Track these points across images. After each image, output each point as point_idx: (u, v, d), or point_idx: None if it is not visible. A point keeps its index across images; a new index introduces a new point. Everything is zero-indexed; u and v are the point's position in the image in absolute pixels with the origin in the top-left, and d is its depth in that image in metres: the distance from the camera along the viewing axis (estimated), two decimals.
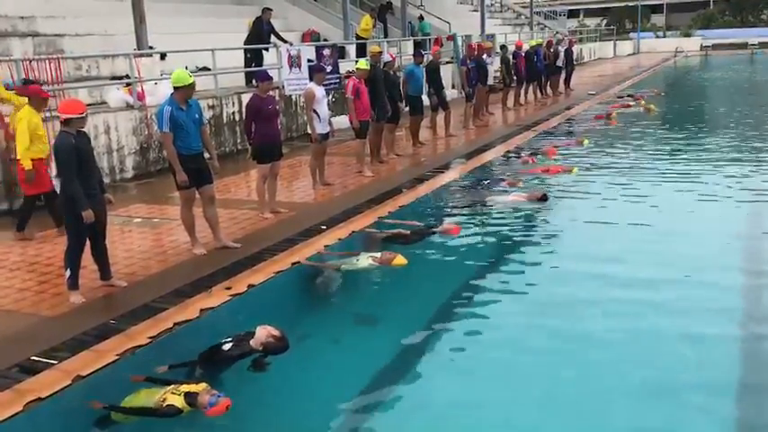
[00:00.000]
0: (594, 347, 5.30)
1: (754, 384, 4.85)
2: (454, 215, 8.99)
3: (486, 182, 10.58)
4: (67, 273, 6.00)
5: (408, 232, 7.72)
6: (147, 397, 4.43)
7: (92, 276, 6.37)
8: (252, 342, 4.90)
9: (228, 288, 6.15)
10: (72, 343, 5.18)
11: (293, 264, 6.78)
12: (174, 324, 5.47)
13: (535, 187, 10.00)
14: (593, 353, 5.22)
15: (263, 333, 4.89)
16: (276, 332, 4.91)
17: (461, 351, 5.51)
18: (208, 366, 4.96)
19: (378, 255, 6.72)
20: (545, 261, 7.29)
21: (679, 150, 13.37)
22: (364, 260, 6.71)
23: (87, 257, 6.20)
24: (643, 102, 19.72)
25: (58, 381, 4.63)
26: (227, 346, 4.94)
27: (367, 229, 7.93)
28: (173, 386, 4.44)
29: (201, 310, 5.72)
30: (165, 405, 4.28)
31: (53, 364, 4.85)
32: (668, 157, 12.78)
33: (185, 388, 4.38)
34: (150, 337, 5.24)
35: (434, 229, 7.89)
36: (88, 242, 6.11)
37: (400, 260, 6.60)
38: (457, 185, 10.57)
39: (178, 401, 4.28)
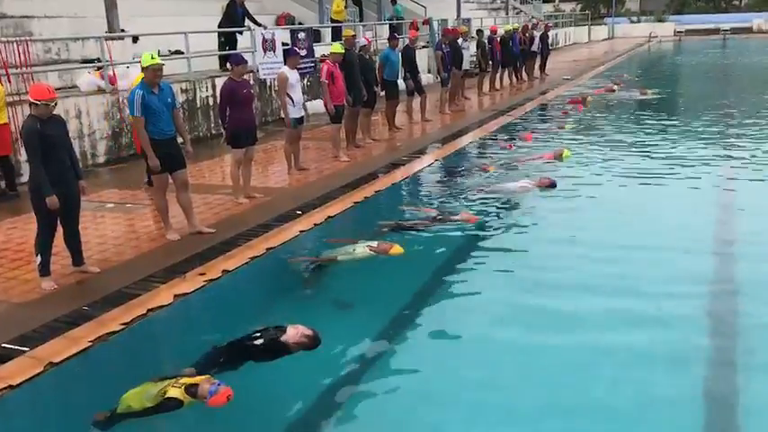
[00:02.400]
0: (567, 337, 5.37)
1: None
2: (457, 203, 8.88)
3: (461, 168, 10.62)
4: (38, 259, 5.93)
5: (427, 221, 7.74)
6: (147, 393, 4.35)
7: (64, 262, 6.30)
8: (282, 339, 4.83)
9: (203, 274, 6.12)
10: (44, 330, 5.13)
11: (267, 249, 6.77)
12: (148, 310, 5.44)
13: (542, 174, 9.74)
14: (566, 346, 5.27)
15: (295, 332, 4.83)
16: (309, 331, 4.85)
17: (439, 336, 5.55)
18: (233, 361, 4.83)
19: (374, 244, 6.66)
20: (532, 254, 7.22)
21: (656, 136, 13.40)
22: (361, 249, 6.65)
23: (59, 243, 6.13)
24: (616, 87, 19.89)
25: (30, 368, 4.60)
26: (258, 342, 4.86)
27: (381, 222, 7.84)
28: (173, 379, 4.39)
29: (175, 296, 5.69)
30: (165, 398, 4.24)
31: (24, 352, 4.80)
32: (646, 143, 12.81)
33: (186, 380, 4.34)
34: (124, 324, 5.21)
35: (453, 218, 7.87)
36: (60, 228, 6.05)
37: (397, 249, 6.57)
38: (443, 171, 10.61)
39: (179, 393, 4.24)
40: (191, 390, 4.24)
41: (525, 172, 10.25)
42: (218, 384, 4.21)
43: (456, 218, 7.89)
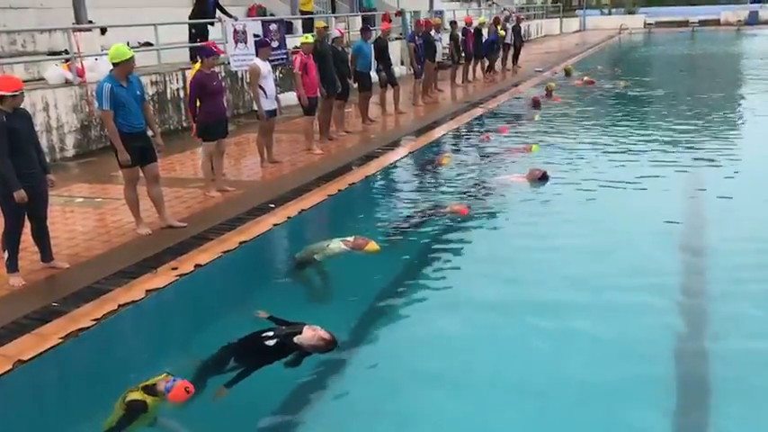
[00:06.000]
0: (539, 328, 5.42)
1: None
2: (445, 195, 8.80)
3: (428, 159, 10.67)
4: (6, 255, 5.83)
5: (418, 215, 7.72)
6: (115, 409, 4.31)
7: (32, 258, 6.20)
8: (296, 339, 4.73)
9: (175, 268, 6.06)
10: (12, 327, 5.05)
11: (240, 242, 6.73)
12: (119, 305, 5.38)
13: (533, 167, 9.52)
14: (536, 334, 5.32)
15: (312, 334, 4.72)
16: (326, 335, 4.74)
17: (416, 326, 5.56)
18: (243, 360, 4.70)
19: (350, 239, 6.56)
20: (515, 246, 7.14)
21: (626, 128, 13.47)
22: (335, 245, 6.54)
23: (27, 239, 6.03)
24: (586, 78, 20.07)
25: None
26: (270, 342, 4.74)
27: (380, 224, 7.74)
28: (133, 385, 4.34)
29: (147, 291, 5.63)
30: (127, 402, 4.19)
31: None
32: (616, 134, 12.89)
33: (143, 382, 4.30)
34: (94, 320, 5.15)
35: (442, 210, 7.84)
36: (28, 223, 5.94)
37: (373, 246, 6.48)
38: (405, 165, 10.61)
39: (138, 395, 4.21)
40: (148, 389, 4.23)
41: (500, 164, 10.29)
42: (174, 380, 4.21)
43: (445, 210, 7.84)
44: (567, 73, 21.76)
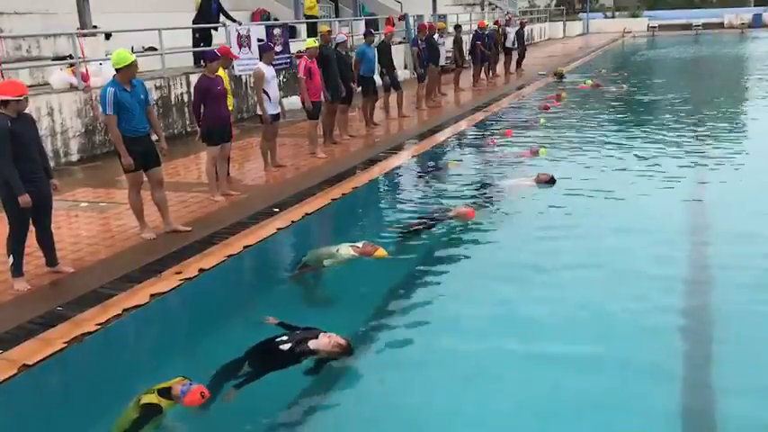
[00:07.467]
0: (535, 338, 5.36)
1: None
2: (452, 199, 8.72)
3: (432, 164, 10.66)
4: (11, 259, 5.83)
5: (426, 219, 7.68)
6: (128, 411, 4.29)
7: (37, 263, 6.21)
8: (311, 345, 4.74)
9: (179, 273, 6.07)
10: (17, 331, 5.06)
11: (244, 247, 6.73)
12: (124, 310, 5.38)
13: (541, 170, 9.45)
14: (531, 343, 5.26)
15: (328, 341, 4.74)
16: (342, 341, 4.76)
17: (418, 330, 5.54)
18: (258, 364, 4.70)
19: (359, 245, 6.51)
20: (521, 252, 7.06)
21: (632, 132, 13.44)
22: (344, 250, 6.50)
23: (32, 244, 6.04)
24: (590, 82, 20.04)
25: (4, 370, 4.53)
26: (285, 346, 4.74)
27: (389, 228, 7.69)
28: (147, 388, 4.33)
29: (151, 295, 5.63)
30: (141, 405, 4.19)
31: None
32: (621, 139, 12.84)
33: (159, 386, 4.29)
34: (99, 324, 5.15)
35: (449, 213, 7.82)
36: (33, 228, 5.95)
37: (381, 252, 6.45)
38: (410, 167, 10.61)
39: (153, 398, 4.21)
40: (163, 393, 4.22)
41: (506, 168, 10.27)
42: (190, 384, 4.21)
43: (452, 213, 7.81)
44: (559, 76, 21.56)
